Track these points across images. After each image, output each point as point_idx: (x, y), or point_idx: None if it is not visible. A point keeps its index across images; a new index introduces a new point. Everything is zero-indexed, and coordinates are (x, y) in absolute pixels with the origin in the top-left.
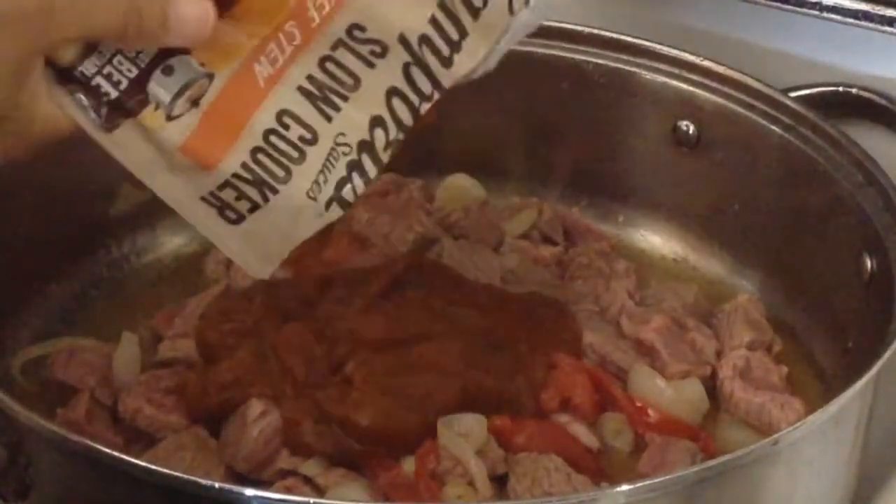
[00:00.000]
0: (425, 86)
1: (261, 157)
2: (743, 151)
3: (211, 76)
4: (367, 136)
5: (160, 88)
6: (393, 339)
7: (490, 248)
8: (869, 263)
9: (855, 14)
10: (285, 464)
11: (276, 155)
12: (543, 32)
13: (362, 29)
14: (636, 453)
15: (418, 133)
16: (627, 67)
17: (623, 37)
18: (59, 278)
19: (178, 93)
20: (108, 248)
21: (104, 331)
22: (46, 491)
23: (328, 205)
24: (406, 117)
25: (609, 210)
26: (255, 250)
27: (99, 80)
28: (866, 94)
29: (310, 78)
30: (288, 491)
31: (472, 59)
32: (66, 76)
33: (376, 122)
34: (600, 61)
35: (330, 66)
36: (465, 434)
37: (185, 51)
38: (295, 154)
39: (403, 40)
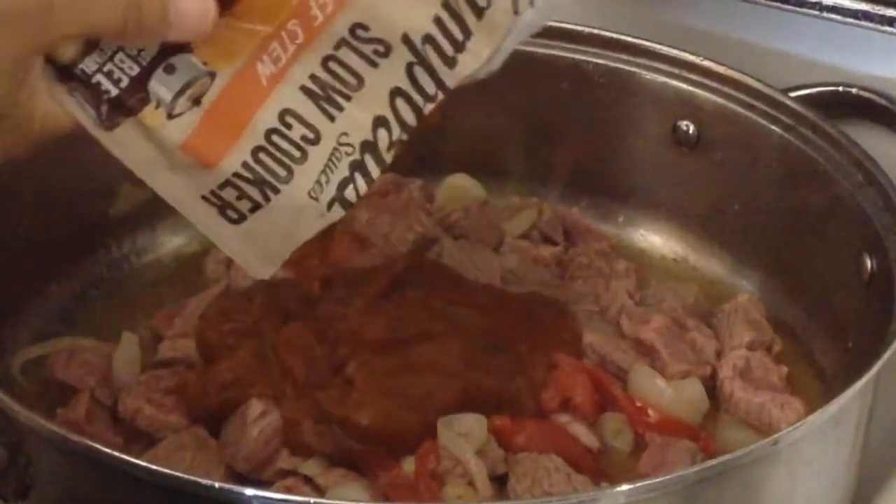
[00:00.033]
0: (429, 86)
1: (262, 156)
2: (743, 151)
3: (213, 75)
4: (370, 137)
5: (162, 87)
6: (393, 340)
7: (490, 248)
8: (869, 263)
9: (855, 14)
10: (285, 464)
11: (277, 154)
12: (543, 32)
13: (365, 28)
14: (636, 453)
15: (422, 134)
16: (627, 67)
17: (623, 37)
18: (59, 278)
19: (180, 91)
20: (108, 248)
21: (104, 331)
22: (46, 491)
23: (330, 205)
24: (409, 118)
25: (609, 210)
26: (257, 250)
27: (100, 77)
28: (866, 94)
29: (313, 77)
30: (288, 491)
31: (477, 60)
32: (66, 74)
33: (379, 122)
34: (600, 61)
35: (333, 65)
36: (465, 434)
37: (187, 49)
38: (297, 154)
39: (407, 40)
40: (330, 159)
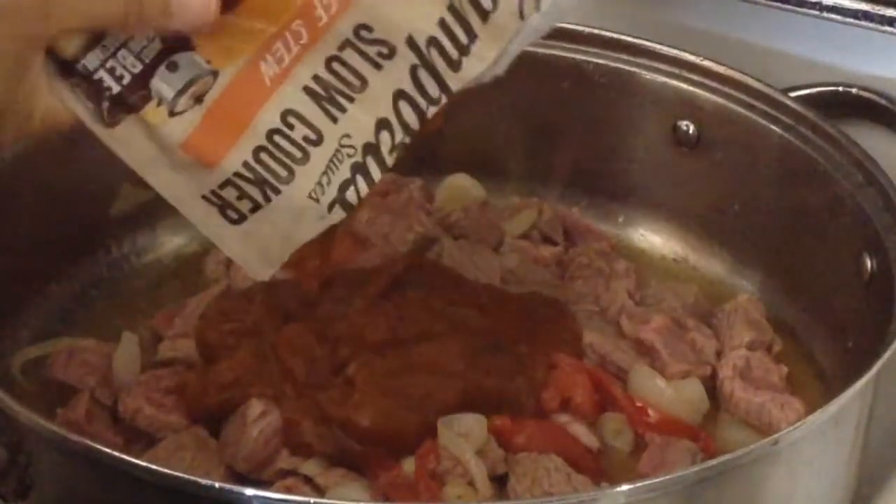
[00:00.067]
0: (433, 89)
1: (264, 156)
2: (743, 151)
3: (215, 73)
4: (372, 139)
5: (164, 84)
6: (393, 340)
7: (490, 248)
8: (869, 263)
9: (855, 14)
10: (285, 464)
11: (279, 155)
12: None
13: (370, 29)
14: (636, 453)
15: (424, 138)
16: (627, 67)
17: (623, 37)
18: (59, 278)
19: (182, 89)
20: (108, 248)
21: (104, 331)
22: (46, 491)
23: (331, 207)
24: (412, 121)
25: (609, 210)
26: (256, 251)
27: (102, 73)
28: (866, 94)
29: (316, 78)
30: (288, 491)
31: (482, 63)
32: (68, 70)
33: (382, 124)
34: (600, 61)
35: (336, 66)
36: (465, 434)
37: (190, 47)
38: (299, 154)
39: (411, 42)
40: (331, 160)
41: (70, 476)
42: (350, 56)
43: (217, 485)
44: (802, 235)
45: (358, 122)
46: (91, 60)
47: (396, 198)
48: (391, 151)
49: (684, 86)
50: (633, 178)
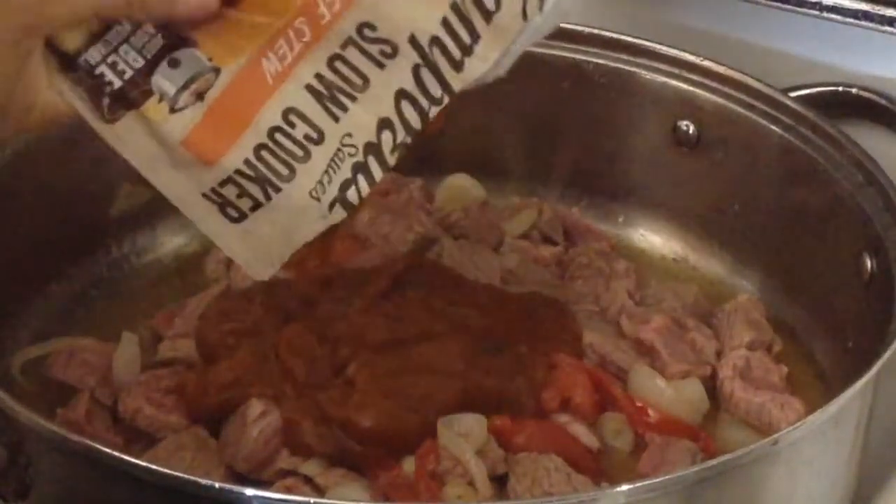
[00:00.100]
0: (435, 89)
1: (265, 154)
2: (743, 151)
3: (217, 70)
4: (373, 138)
5: (165, 80)
6: (393, 340)
7: (490, 248)
8: (869, 263)
9: (855, 14)
10: (285, 464)
11: (280, 153)
12: None
13: (372, 28)
14: (636, 453)
15: (425, 139)
16: (627, 67)
17: (623, 37)
18: (59, 278)
19: (184, 86)
20: (108, 248)
21: (104, 331)
22: (46, 491)
23: (331, 206)
24: (414, 120)
25: (609, 210)
26: (256, 250)
27: (103, 68)
28: (866, 94)
29: (318, 76)
30: (288, 491)
31: (484, 64)
32: (69, 64)
33: (384, 124)
34: (600, 61)
35: (339, 64)
36: (465, 434)
37: (192, 44)
38: (300, 153)
39: (414, 41)
40: (333, 160)
41: (70, 476)
42: (353, 55)
43: (217, 485)
44: (802, 235)
45: (360, 121)
46: (93, 55)
47: (396, 198)
48: (393, 151)
49: (684, 86)
50: (633, 178)
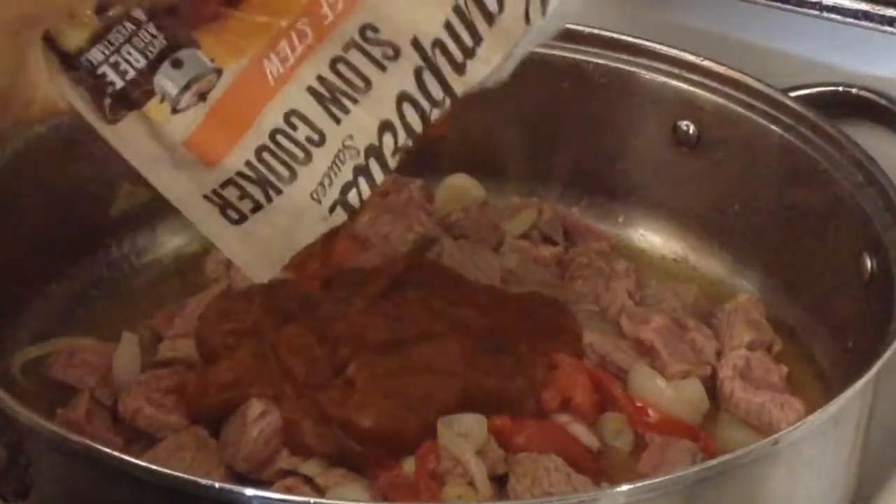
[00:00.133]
0: (437, 92)
1: (266, 155)
2: (743, 151)
3: (219, 71)
4: (375, 141)
5: (168, 81)
6: (393, 340)
7: (490, 248)
8: (869, 263)
9: (855, 14)
10: (285, 464)
11: (281, 155)
12: None
13: (375, 30)
14: (636, 453)
15: (428, 143)
16: (627, 67)
17: (623, 37)
18: (59, 278)
19: (186, 86)
20: (108, 248)
21: (104, 331)
22: (46, 491)
23: (332, 208)
24: (416, 124)
25: (609, 210)
26: (257, 252)
27: (105, 68)
28: (866, 94)
29: (320, 78)
30: (288, 491)
31: (486, 66)
32: (70, 63)
33: (386, 126)
34: (600, 61)
35: (341, 67)
36: (465, 434)
37: (194, 44)
38: (301, 155)
39: (416, 44)
40: (334, 162)
41: (70, 476)
42: (355, 57)
43: (217, 485)
44: (802, 235)
45: (361, 123)
46: (94, 55)
47: (396, 198)
48: (394, 154)
49: (684, 86)
50: (633, 178)
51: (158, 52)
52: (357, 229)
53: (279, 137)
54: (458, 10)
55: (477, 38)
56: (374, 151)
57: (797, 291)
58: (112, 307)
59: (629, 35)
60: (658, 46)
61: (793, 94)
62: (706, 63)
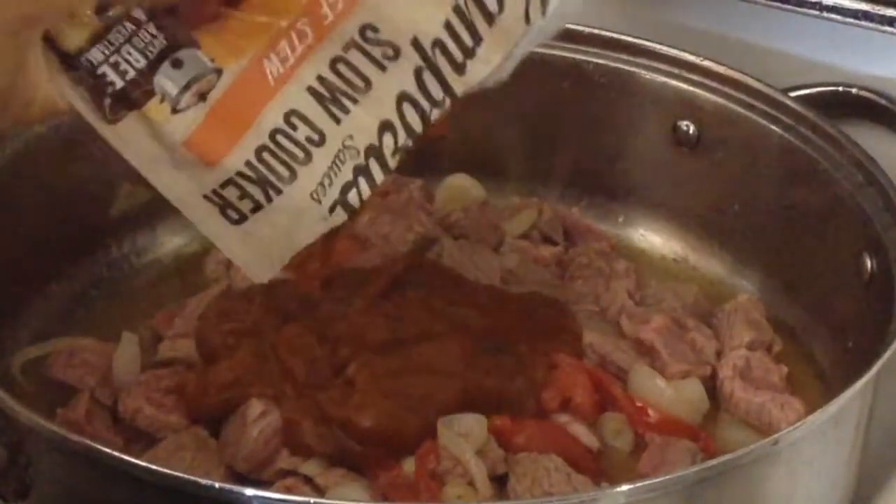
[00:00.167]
0: (437, 92)
1: (266, 155)
2: (743, 151)
3: (219, 71)
4: (375, 141)
5: (168, 80)
6: (393, 340)
7: (490, 248)
8: (869, 263)
9: (855, 14)
10: (285, 464)
11: (281, 155)
12: None
13: (375, 30)
14: (636, 453)
15: (428, 143)
16: (627, 67)
17: (623, 37)
18: (59, 278)
19: (186, 86)
20: (108, 248)
21: (104, 331)
22: (46, 491)
23: (332, 208)
24: (416, 124)
25: (609, 210)
26: (256, 253)
27: (105, 68)
28: (866, 94)
29: (320, 78)
30: (288, 491)
31: (486, 66)
32: (70, 63)
33: (385, 126)
34: (600, 61)
35: (341, 66)
36: (465, 434)
37: (194, 44)
38: (301, 155)
39: (416, 44)
40: (334, 162)
41: (70, 476)
42: (355, 57)
43: (217, 485)
44: (802, 235)
45: (361, 123)
46: (94, 55)
47: (396, 198)
48: (394, 154)
49: (684, 86)
50: (633, 178)
51: (158, 52)
52: (357, 229)
53: (279, 137)
54: (458, 10)
55: (477, 38)
56: (374, 151)
57: (797, 291)
58: (112, 307)
59: (629, 35)
60: (658, 46)
61: (793, 94)
62: (706, 63)
